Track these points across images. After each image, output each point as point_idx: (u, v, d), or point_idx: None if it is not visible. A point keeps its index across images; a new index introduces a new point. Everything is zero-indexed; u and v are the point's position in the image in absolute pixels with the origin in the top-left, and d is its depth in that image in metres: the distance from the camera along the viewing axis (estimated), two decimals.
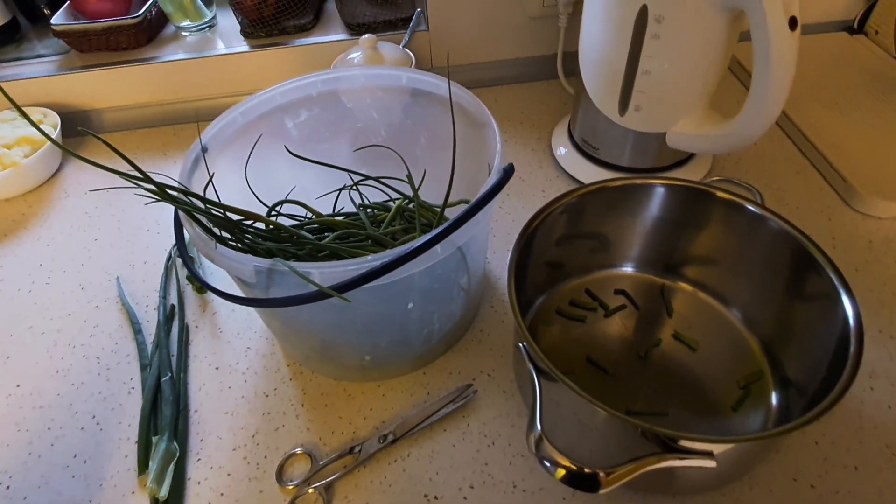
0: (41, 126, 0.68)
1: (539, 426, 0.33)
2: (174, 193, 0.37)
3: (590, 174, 0.61)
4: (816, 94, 0.67)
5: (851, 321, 0.34)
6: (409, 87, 0.49)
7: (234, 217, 0.39)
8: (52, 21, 0.71)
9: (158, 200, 0.36)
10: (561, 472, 0.31)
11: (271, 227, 0.41)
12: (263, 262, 0.34)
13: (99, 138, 0.35)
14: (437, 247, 0.34)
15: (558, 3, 0.69)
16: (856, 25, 0.77)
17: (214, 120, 0.46)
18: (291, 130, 0.51)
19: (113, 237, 0.62)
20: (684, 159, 0.59)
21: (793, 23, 0.42)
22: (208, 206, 0.38)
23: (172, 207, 0.38)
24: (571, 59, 0.73)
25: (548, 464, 0.32)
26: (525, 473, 0.41)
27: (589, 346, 0.47)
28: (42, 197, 0.67)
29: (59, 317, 0.54)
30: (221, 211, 0.38)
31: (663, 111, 0.53)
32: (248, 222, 0.41)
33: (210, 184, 0.42)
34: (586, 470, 0.31)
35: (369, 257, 0.33)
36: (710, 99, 0.53)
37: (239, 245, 0.39)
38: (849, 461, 0.40)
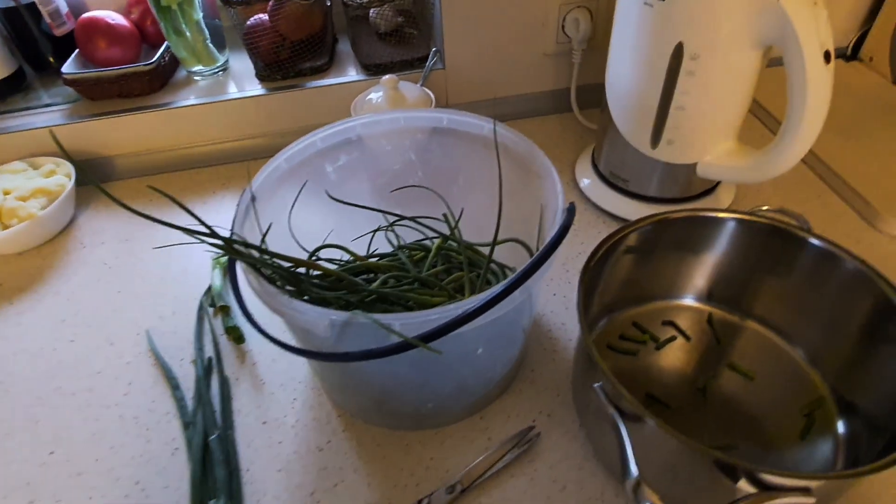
0: (54, 176, 0.66)
1: (635, 470, 0.32)
2: (240, 248, 0.36)
3: (616, 204, 0.62)
4: (826, 121, 0.69)
5: None
6: (448, 128, 0.50)
7: (288, 266, 0.39)
8: (63, 70, 0.70)
9: (224, 255, 0.35)
10: None
11: (331, 276, 0.40)
12: (340, 316, 0.33)
13: (168, 195, 0.34)
14: (518, 290, 0.33)
15: (572, 41, 0.71)
16: (849, 52, 0.81)
17: (262, 168, 0.45)
18: (330, 175, 0.51)
19: (137, 288, 0.60)
20: (710, 188, 0.61)
21: (827, 56, 0.44)
22: (273, 259, 0.37)
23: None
24: (585, 93, 0.75)
25: None
26: None
27: (646, 381, 0.47)
28: (57, 249, 0.65)
29: (89, 375, 0.52)
30: (286, 263, 0.37)
31: (695, 144, 0.54)
32: (307, 272, 0.40)
33: (266, 233, 0.41)
34: None
35: (451, 306, 0.33)
36: (738, 130, 0.54)
37: (305, 298, 0.38)
38: None
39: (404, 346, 0.31)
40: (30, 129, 0.70)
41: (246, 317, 0.37)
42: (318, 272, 0.41)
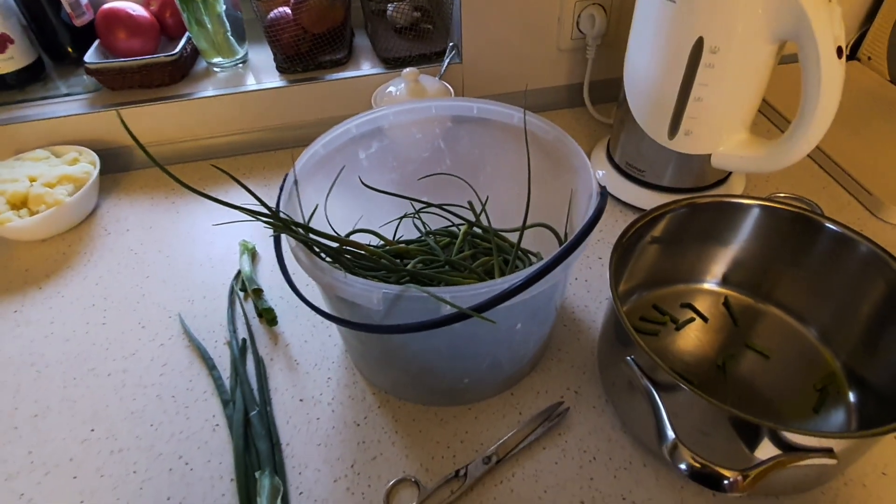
0: (78, 164, 0.67)
1: (672, 434, 0.34)
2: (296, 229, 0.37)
3: (632, 195, 0.64)
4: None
5: None
6: (478, 117, 0.51)
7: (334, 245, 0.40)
8: (86, 59, 0.71)
9: (279, 232, 0.37)
10: (697, 474, 0.33)
11: (372, 255, 0.42)
12: (392, 289, 0.35)
13: (229, 174, 0.35)
14: (559, 266, 0.35)
15: (587, 37, 0.73)
16: (848, 52, 0.84)
17: (302, 153, 0.46)
18: (363, 161, 0.52)
19: (165, 274, 0.61)
20: (722, 179, 0.63)
21: (839, 51, 0.47)
22: (321, 237, 0.38)
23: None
24: (597, 88, 0.77)
25: (685, 468, 0.33)
26: (632, 486, 0.42)
27: (668, 359, 0.49)
28: (82, 236, 0.66)
29: (123, 357, 0.53)
30: (333, 242, 0.39)
31: (711, 134, 0.56)
32: (348, 250, 0.42)
33: (313, 215, 0.43)
34: (725, 472, 0.33)
35: (498, 280, 0.34)
36: (751, 122, 0.57)
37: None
38: None
39: (458, 316, 0.33)
40: (50, 118, 0.71)
41: (294, 291, 0.39)
42: (353, 254, 0.43)
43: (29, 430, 0.48)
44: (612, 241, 0.44)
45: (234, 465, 0.44)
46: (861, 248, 0.43)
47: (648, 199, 0.62)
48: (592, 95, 0.77)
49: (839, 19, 0.46)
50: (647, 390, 0.37)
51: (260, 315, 0.55)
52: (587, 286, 0.56)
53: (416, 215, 0.54)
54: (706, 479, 0.33)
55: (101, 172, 0.71)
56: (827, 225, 0.44)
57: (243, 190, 0.36)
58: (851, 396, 0.45)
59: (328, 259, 0.40)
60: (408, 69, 0.64)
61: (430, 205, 0.54)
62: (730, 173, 0.63)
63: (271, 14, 0.72)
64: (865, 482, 0.41)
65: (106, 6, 0.73)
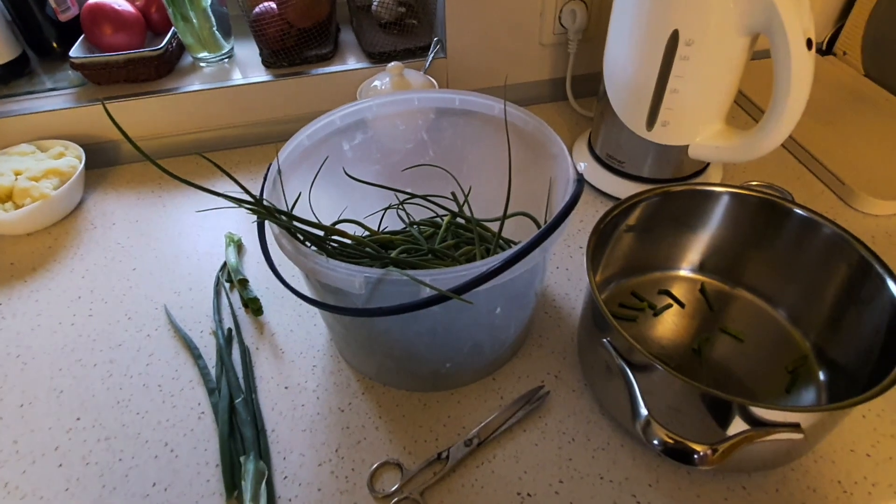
0: (64, 158, 0.67)
1: (644, 411, 0.36)
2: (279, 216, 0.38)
3: (613, 185, 0.65)
4: (804, 109, 0.74)
5: None
6: (460, 108, 0.52)
7: (317, 233, 0.41)
8: (71, 53, 0.71)
9: (263, 219, 0.37)
10: (670, 449, 0.34)
11: (353, 242, 0.43)
12: (374, 272, 0.36)
13: (215, 164, 0.36)
14: (537, 249, 0.36)
15: (568, 31, 0.74)
16: (824, 47, 0.86)
17: (286, 143, 0.47)
18: (347, 152, 0.53)
19: (151, 266, 0.61)
20: (700, 170, 0.65)
21: (809, 43, 0.48)
22: (304, 224, 0.39)
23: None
24: (579, 83, 0.78)
25: (657, 443, 0.35)
26: (609, 465, 0.43)
27: (646, 343, 0.50)
28: (68, 229, 0.66)
29: (110, 347, 0.53)
30: (316, 229, 0.40)
31: (687, 125, 0.58)
32: (331, 238, 0.42)
33: (296, 203, 0.43)
34: (695, 446, 0.34)
35: (478, 263, 0.35)
36: (727, 113, 0.58)
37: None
38: (895, 431, 0.44)
39: (438, 298, 0.34)
40: (35, 113, 0.71)
41: (276, 275, 0.40)
42: (338, 243, 0.43)
43: (15, 420, 0.48)
44: (591, 230, 0.45)
45: (220, 451, 0.44)
46: (825, 231, 0.44)
47: (628, 190, 0.63)
48: (575, 89, 0.78)
49: (808, 12, 0.48)
50: (622, 370, 0.39)
51: (246, 305, 0.55)
52: (568, 274, 0.58)
53: (401, 206, 0.55)
54: (678, 453, 0.35)
55: (87, 167, 0.71)
56: (794, 210, 0.46)
57: (229, 182, 0.36)
58: (822, 376, 0.46)
59: (312, 247, 0.41)
60: (392, 63, 0.65)
61: (414, 196, 0.54)
62: (707, 164, 0.64)
63: (257, 9, 0.72)
64: (834, 459, 0.43)
65: (91, 1, 0.73)
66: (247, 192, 0.37)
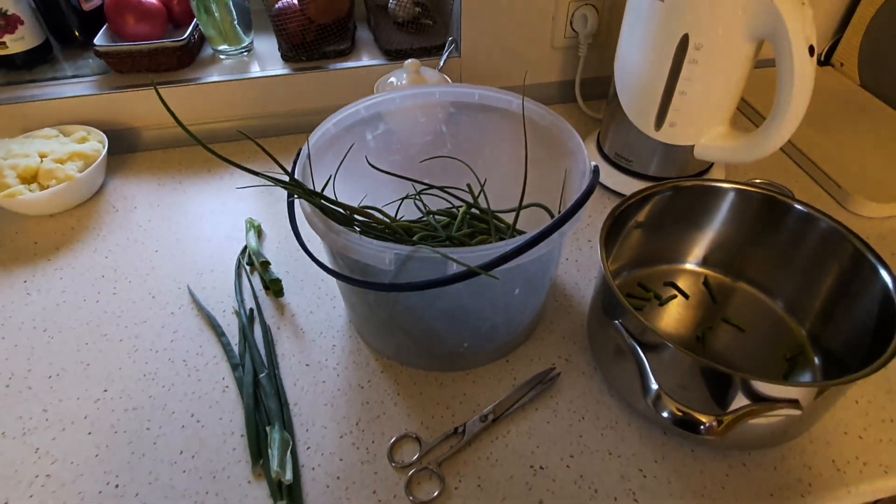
0: (88, 142, 0.69)
1: (655, 385, 0.38)
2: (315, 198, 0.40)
3: (621, 183, 0.68)
4: (804, 116, 0.77)
5: (892, 287, 0.41)
6: (479, 103, 0.55)
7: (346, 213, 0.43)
8: (96, 42, 0.73)
9: (298, 197, 0.40)
10: (678, 420, 0.36)
11: (381, 226, 0.45)
12: (403, 249, 0.38)
13: (253, 140, 0.38)
14: (556, 233, 0.39)
15: (579, 35, 0.77)
16: (822, 58, 0.90)
17: (315, 129, 0.49)
18: (370, 142, 0.55)
19: (173, 248, 0.63)
20: (704, 170, 0.67)
21: (811, 50, 0.51)
22: (335, 205, 0.41)
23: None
24: (588, 86, 0.81)
25: (667, 415, 0.37)
26: (617, 442, 0.45)
27: None
28: (90, 212, 0.67)
29: (135, 324, 0.55)
30: (345, 210, 0.42)
31: (694, 126, 0.61)
32: (359, 219, 0.45)
33: (326, 185, 0.46)
34: (702, 417, 0.36)
35: (502, 242, 0.38)
36: (731, 116, 0.61)
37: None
38: (885, 415, 0.47)
39: (466, 274, 0.36)
40: (58, 98, 0.72)
41: (306, 252, 0.42)
42: (365, 225, 0.46)
43: (44, 390, 0.50)
44: (600, 225, 0.47)
45: (245, 421, 0.46)
46: (822, 225, 0.47)
47: (636, 188, 0.64)
48: (583, 92, 0.81)
49: (811, 21, 0.50)
50: (633, 349, 0.41)
51: (266, 287, 0.57)
52: (578, 266, 0.60)
53: (418, 196, 0.57)
54: (686, 423, 0.37)
55: (108, 153, 0.73)
56: (794, 205, 0.49)
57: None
58: (817, 362, 0.49)
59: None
60: (409, 60, 0.68)
61: (431, 186, 0.57)
62: (711, 164, 0.67)
63: (278, 4, 0.75)
64: (829, 440, 0.45)
65: None
66: (284, 170, 0.40)
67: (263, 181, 0.39)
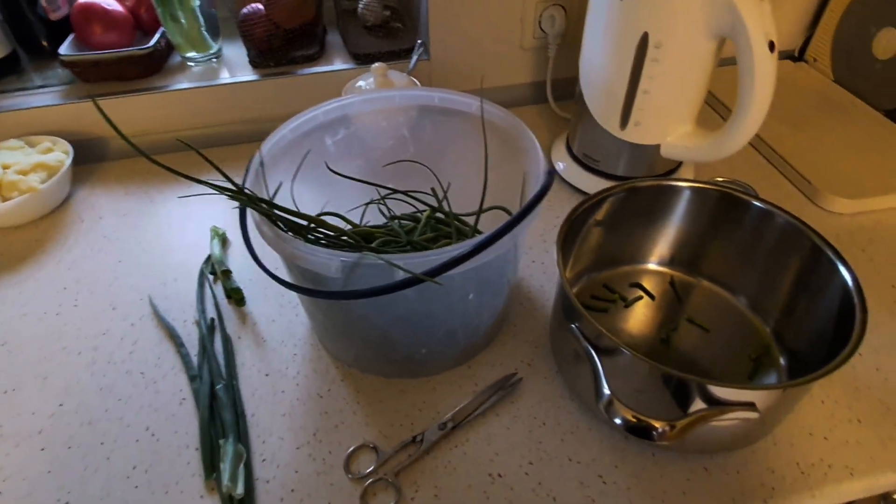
0: (52, 153, 0.69)
1: (608, 391, 0.37)
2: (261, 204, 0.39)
3: (589, 183, 0.67)
4: (773, 113, 0.74)
5: (850, 283, 0.41)
6: (440, 106, 0.54)
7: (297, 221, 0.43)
8: (61, 51, 0.72)
9: (244, 206, 0.39)
10: (631, 427, 0.36)
11: (334, 233, 0.44)
12: (350, 256, 0.37)
13: (197, 150, 0.38)
14: (507, 235, 0.38)
15: (548, 36, 0.77)
16: (797, 54, 0.89)
17: (269, 135, 0.49)
18: (330, 147, 0.55)
19: (137, 258, 0.62)
20: (673, 169, 0.67)
21: (771, 46, 0.50)
22: (284, 212, 0.41)
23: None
24: (559, 86, 0.81)
25: (619, 422, 0.36)
26: (577, 447, 0.45)
27: (616, 334, 0.52)
28: (55, 223, 0.67)
29: (94, 335, 0.54)
30: (297, 217, 0.41)
31: (659, 125, 0.60)
32: (312, 227, 0.44)
33: (277, 192, 0.45)
34: (655, 423, 0.36)
35: (450, 247, 0.37)
36: (697, 114, 0.61)
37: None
38: (851, 416, 0.46)
39: (411, 281, 0.36)
40: (25, 109, 0.72)
41: (255, 260, 0.41)
42: (320, 234, 0.45)
43: (0, 404, 0.49)
44: None
45: (199, 434, 0.46)
46: (780, 220, 0.47)
47: (603, 187, 0.66)
48: (555, 92, 0.80)
49: (769, 16, 0.50)
50: (588, 353, 0.40)
51: (229, 296, 0.57)
52: (543, 268, 0.59)
53: (382, 201, 0.56)
54: (639, 430, 0.36)
55: (76, 163, 0.72)
56: (752, 202, 0.48)
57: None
58: (783, 361, 0.48)
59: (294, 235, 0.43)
60: (376, 64, 0.67)
61: (395, 191, 0.56)
62: (680, 163, 0.67)
63: (245, 9, 0.74)
64: (793, 442, 0.45)
65: (82, 1, 0.75)
66: (228, 179, 0.39)
67: (209, 190, 0.39)
